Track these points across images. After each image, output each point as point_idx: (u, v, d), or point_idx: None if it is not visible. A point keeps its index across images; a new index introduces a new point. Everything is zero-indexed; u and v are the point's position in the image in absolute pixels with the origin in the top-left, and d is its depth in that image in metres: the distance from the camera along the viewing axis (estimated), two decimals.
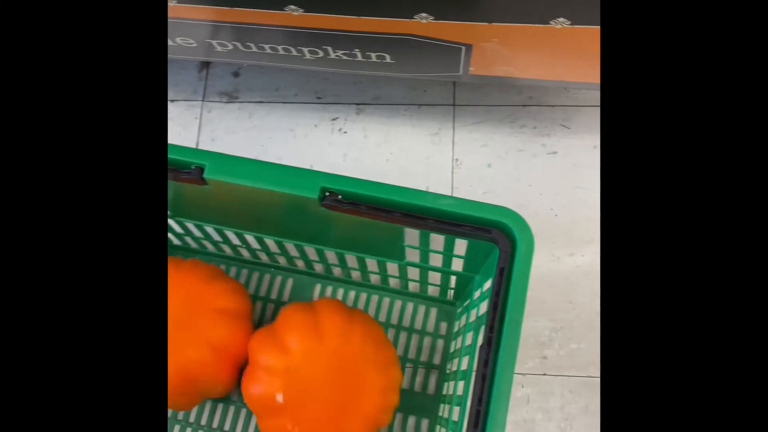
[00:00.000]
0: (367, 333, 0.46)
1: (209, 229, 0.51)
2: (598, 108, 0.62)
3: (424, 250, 0.43)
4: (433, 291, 0.55)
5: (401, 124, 0.63)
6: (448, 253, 0.43)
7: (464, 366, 0.42)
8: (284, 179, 0.38)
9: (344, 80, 0.65)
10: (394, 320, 0.56)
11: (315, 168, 0.39)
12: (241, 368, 0.48)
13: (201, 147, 0.64)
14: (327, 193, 0.38)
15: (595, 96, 0.63)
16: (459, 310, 0.53)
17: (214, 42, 0.45)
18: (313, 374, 0.44)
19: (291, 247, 0.51)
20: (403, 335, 0.55)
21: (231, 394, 0.54)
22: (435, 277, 0.51)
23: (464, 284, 0.49)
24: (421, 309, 0.56)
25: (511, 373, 0.34)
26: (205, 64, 0.67)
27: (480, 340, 0.36)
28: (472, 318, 0.43)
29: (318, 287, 0.57)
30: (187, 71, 0.67)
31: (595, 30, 0.35)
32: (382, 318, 0.56)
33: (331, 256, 0.51)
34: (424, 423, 0.52)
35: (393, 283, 0.55)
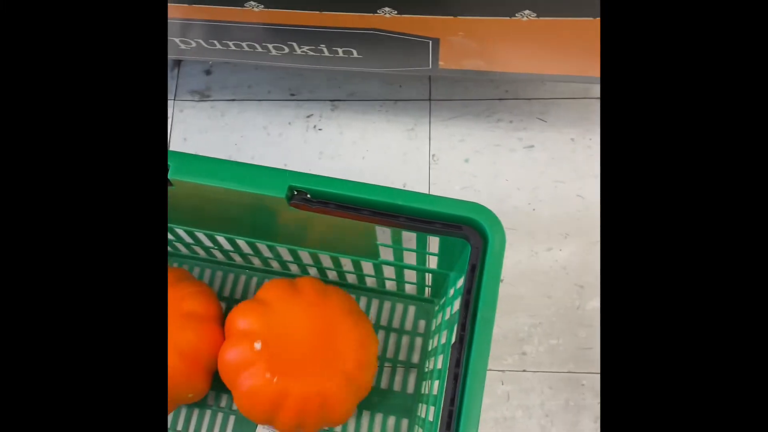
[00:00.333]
0: (342, 301, 0.47)
1: (180, 231, 0.50)
2: (575, 100, 0.62)
3: (398, 248, 0.43)
4: (410, 289, 0.54)
5: (377, 120, 0.63)
6: (421, 251, 0.42)
7: (440, 365, 0.42)
8: (251, 179, 0.37)
9: (318, 76, 0.64)
10: (372, 319, 0.55)
11: (290, 167, 0.38)
12: (212, 372, 0.47)
13: (173, 147, 0.62)
14: (295, 192, 0.37)
15: (572, 88, 0.62)
16: (437, 308, 0.53)
17: (176, 40, 0.44)
18: (291, 326, 0.44)
19: (264, 248, 0.50)
20: (381, 334, 0.54)
21: (205, 398, 0.53)
22: (411, 275, 0.50)
23: (441, 282, 0.49)
24: (399, 307, 0.55)
25: (483, 372, 0.34)
26: (177, 63, 0.66)
27: (453, 339, 0.35)
28: (447, 316, 0.43)
29: None
30: None
31: (562, 21, 0.34)
32: None
33: (305, 256, 0.50)
34: (404, 423, 0.52)
35: (370, 282, 0.54)
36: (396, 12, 0.35)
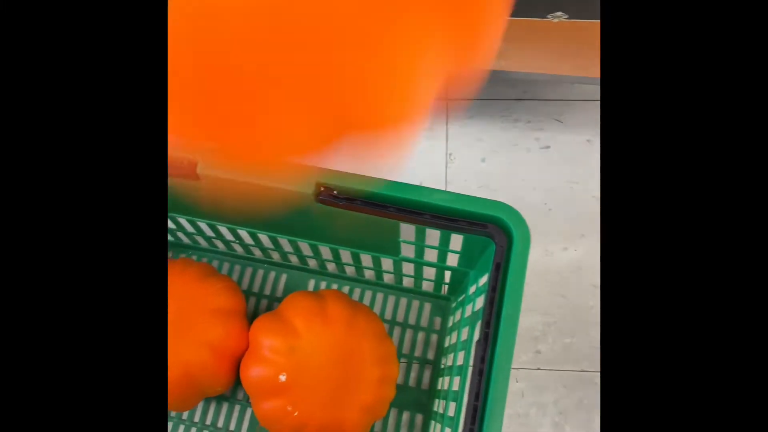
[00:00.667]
0: (369, 325, 0.47)
1: (202, 225, 0.50)
2: (592, 102, 0.62)
3: (420, 245, 0.43)
4: (427, 286, 0.55)
5: None
6: (443, 249, 0.43)
7: (460, 361, 0.42)
8: (278, 175, 0.38)
9: None
10: (388, 315, 0.56)
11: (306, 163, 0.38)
12: (238, 365, 0.48)
13: None
14: (322, 189, 0.38)
15: (589, 90, 0.63)
16: (453, 305, 0.53)
17: None
18: (317, 358, 0.44)
19: (285, 243, 0.50)
20: (397, 330, 0.55)
21: (227, 391, 0.54)
22: (429, 272, 0.50)
23: (459, 279, 0.49)
24: (415, 304, 0.56)
25: (508, 368, 0.34)
26: None
27: (476, 336, 0.36)
28: (468, 313, 0.43)
29: (312, 282, 0.57)
30: None
31: (593, 24, 0.35)
32: (376, 313, 0.56)
33: (325, 251, 0.50)
34: (419, 418, 0.52)
35: (387, 278, 0.55)
36: None
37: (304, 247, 0.50)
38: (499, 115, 0.62)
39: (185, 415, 0.54)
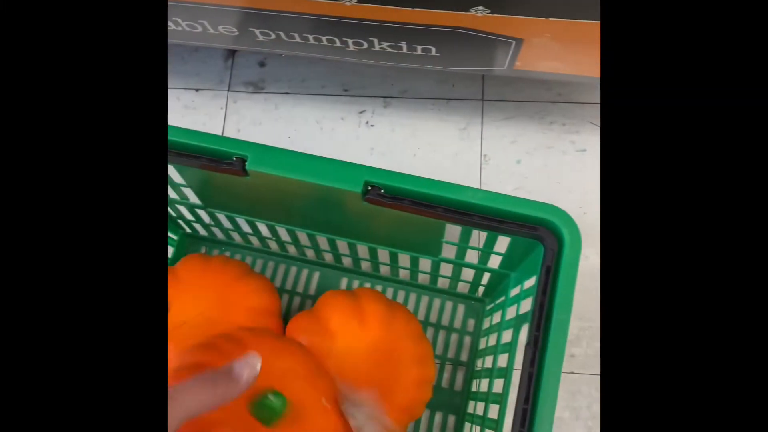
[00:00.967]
0: (407, 326, 0.46)
1: (240, 221, 0.50)
2: None
3: (464, 246, 0.43)
4: (461, 287, 0.54)
5: (429, 118, 0.63)
6: (487, 250, 0.43)
7: (501, 363, 0.42)
8: (328, 172, 0.37)
9: (371, 73, 0.65)
10: (422, 316, 0.55)
11: None
12: None
13: None
14: (370, 188, 0.38)
15: None
16: (489, 307, 0.53)
17: (257, 31, 0.44)
18: (354, 358, 0.44)
19: (323, 241, 0.50)
20: (430, 331, 0.55)
21: None
22: (467, 274, 0.50)
23: (497, 282, 0.49)
24: (449, 305, 0.56)
25: (558, 372, 0.34)
26: (231, 53, 0.66)
27: (524, 339, 0.36)
28: (509, 316, 0.43)
29: (345, 281, 0.57)
30: (212, 60, 0.66)
31: None
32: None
33: (362, 250, 0.50)
34: (451, 419, 0.52)
35: (421, 278, 0.55)
36: (489, 11, 0.35)
37: (342, 245, 0.50)
38: (535, 117, 0.62)
39: None
